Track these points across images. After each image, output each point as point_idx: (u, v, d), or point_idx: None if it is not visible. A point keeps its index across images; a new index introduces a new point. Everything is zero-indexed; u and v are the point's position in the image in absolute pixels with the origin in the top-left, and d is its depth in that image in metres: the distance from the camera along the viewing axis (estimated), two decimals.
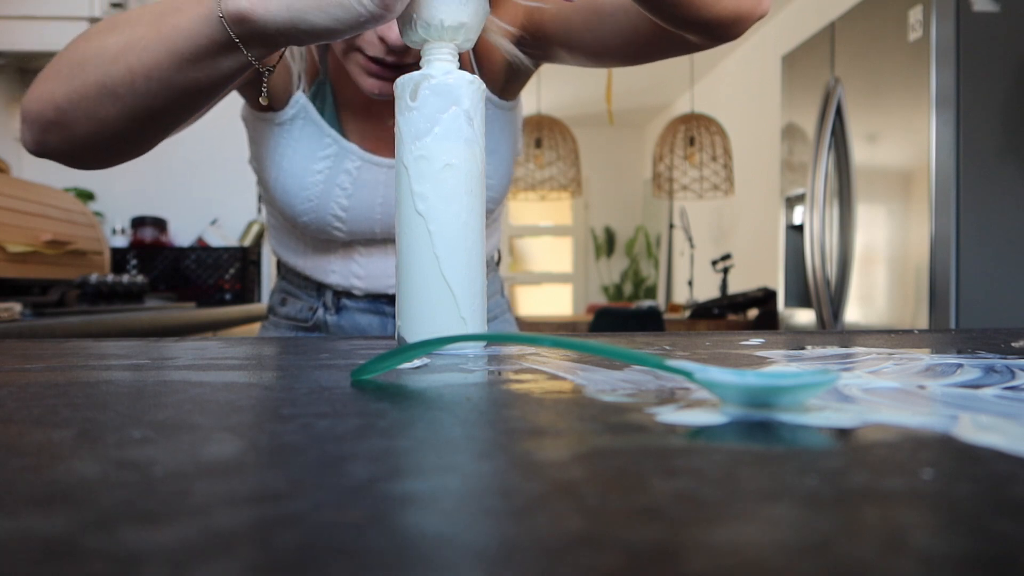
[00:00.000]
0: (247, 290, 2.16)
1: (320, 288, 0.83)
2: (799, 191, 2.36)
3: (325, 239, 0.78)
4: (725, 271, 3.66)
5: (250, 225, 2.34)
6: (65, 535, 0.13)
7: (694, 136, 3.48)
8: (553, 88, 4.97)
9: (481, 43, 0.72)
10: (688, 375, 0.24)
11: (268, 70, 0.56)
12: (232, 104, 0.84)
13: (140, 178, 2.29)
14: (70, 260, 1.68)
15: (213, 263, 2.12)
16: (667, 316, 3.43)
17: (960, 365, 0.35)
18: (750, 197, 4.19)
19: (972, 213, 1.70)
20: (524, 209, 6.55)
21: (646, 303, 3.38)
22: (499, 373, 0.34)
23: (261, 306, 2.07)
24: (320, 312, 0.83)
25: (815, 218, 2.16)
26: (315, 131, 0.73)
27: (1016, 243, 1.71)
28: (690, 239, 4.19)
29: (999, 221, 1.71)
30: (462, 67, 0.49)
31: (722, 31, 0.60)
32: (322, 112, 0.74)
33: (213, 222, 2.32)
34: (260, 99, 0.60)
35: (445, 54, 0.46)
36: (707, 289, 4.68)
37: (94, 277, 1.59)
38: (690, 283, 4.11)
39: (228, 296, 2.12)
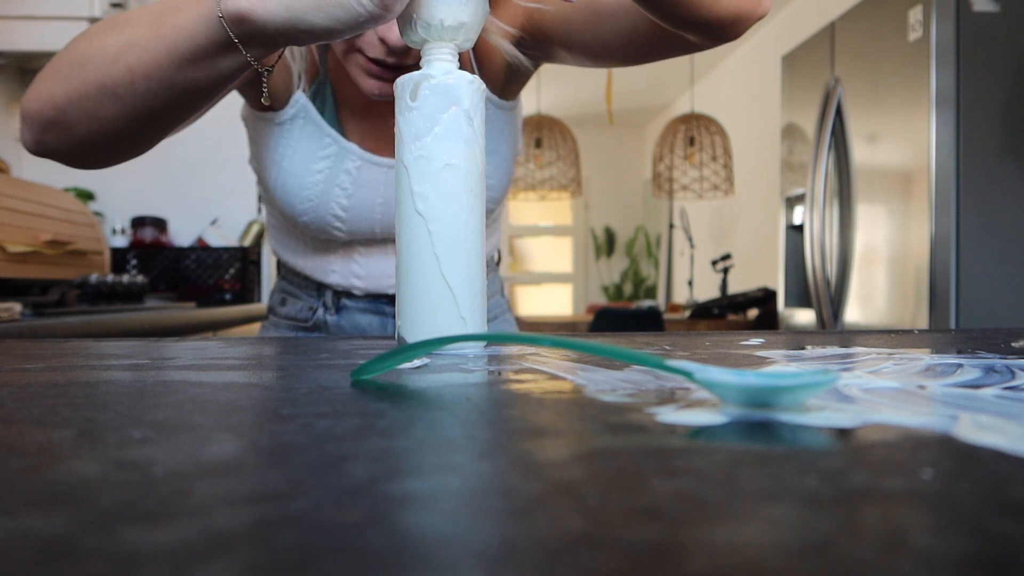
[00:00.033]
0: (247, 290, 2.16)
1: (320, 288, 0.83)
2: (799, 191, 2.36)
3: (325, 239, 0.78)
4: (725, 271, 3.66)
5: (250, 225, 2.34)
6: (65, 535, 0.13)
7: (694, 136, 3.48)
8: (553, 88, 4.97)
9: (481, 43, 0.72)
10: (688, 375, 0.24)
11: (267, 70, 0.56)
12: (232, 104, 0.84)
13: (140, 178, 2.29)
14: (70, 260, 1.68)
15: (213, 263, 2.12)
16: (667, 316, 3.43)
17: (960, 365, 0.35)
18: (750, 197, 4.19)
19: (972, 213, 1.70)
20: (524, 209, 6.55)
21: (646, 303, 3.38)
22: (499, 373, 0.34)
23: (261, 306, 2.07)
24: (320, 312, 0.83)
25: (815, 218, 2.16)
26: (315, 131, 0.73)
27: (1016, 243, 1.71)
28: (690, 239, 4.19)
29: (999, 221, 1.71)
30: (462, 67, 0.49)
31: (722, 31, 0.60)
32: (322, 112, 0.74)
33: (213, 222, 2.32)
34: (262, 99, 0.60)
35: (445, 54, 0.46)
36: (707, 289, 4.68)
37: (94, 277, 1.59)
38: (690, 283, 4.11)
39: (228, 296, 2.12)
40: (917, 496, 0.15)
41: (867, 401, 0.25)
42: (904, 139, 1.81)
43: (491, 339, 0.43)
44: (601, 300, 6.29)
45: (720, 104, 4.62)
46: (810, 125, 2.25)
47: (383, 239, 0.79)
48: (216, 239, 2.23)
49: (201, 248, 2.15)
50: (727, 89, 4.66)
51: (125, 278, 1.64)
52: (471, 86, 0.45)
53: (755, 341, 0.51)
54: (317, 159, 0.73)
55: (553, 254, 6.70)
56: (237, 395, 0.28)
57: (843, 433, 0.21)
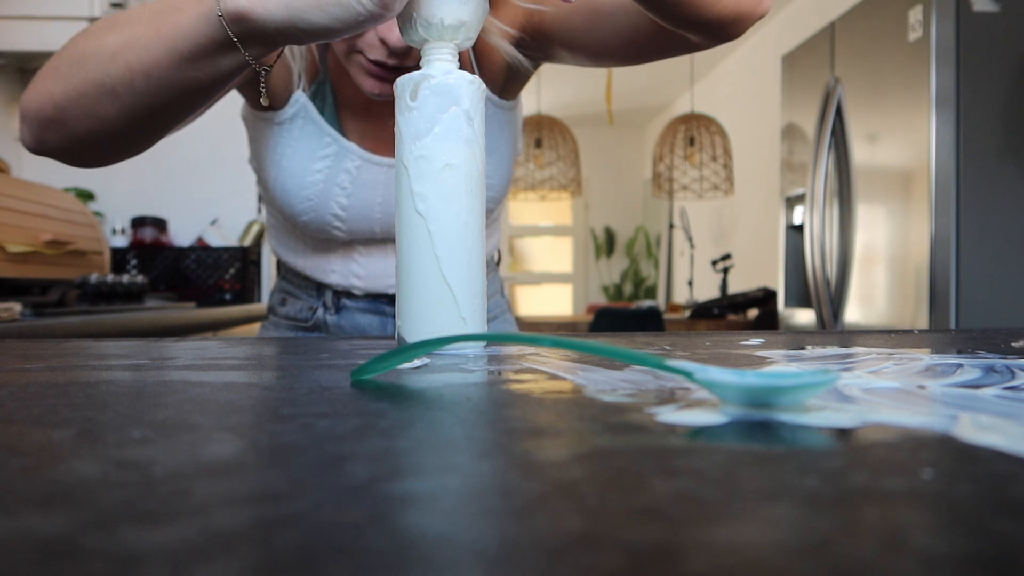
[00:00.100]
0: (247, 290, 2.16)
1: (320, 288, 0.83)
2: (799, 191, 2.36)
3: (325, 239, 0.78)
4: (725, 271, 3.66)
5: (250, 225, 2.34)
6: (65, 535, 0.13)
7: (694, 136, 3.48)
8: (553, 88, 4.97)
9: (481, 43, 0.72)
10: (688, 375, 0.24)
11: (266, 69, 0.56)
12: (232, 104, 0.84)
13: (140, 178, 2.29)
14: (70, 260, 1.68)
15: (213, 263, 2.12)
16: (667, 316, 3.43)
17: (960, 365, 0.35)
18: (750, 197, 4.19)
19: (972, 213, 1.70)
20: (524, 209, 6.55)
21: (646, 303, 3.38)
22: (499, 373, 0.34)
23: (261, 306, 2.07)
24: (320, 312, 0.83)
25: (815, 218, 2.16)
26: (315, 130, 0.73)
27: (1016, 243, 1.71)
28: (690, 239, 4.19)
29: (999, 221, 1.71)
30: (462, 67, 0.49)
31: (722, 31, 0.60)
32: (322, 111, 0.74)
33: (213, 222, 2.32)
34: (261, 99, 0.60)
35: (445, 54, 0.46)
36: (707, 289, 4.68)
37: (94, 277, 1.59)
38: (690, 283, 4.11)
39: (228, 296, 2.12)
40: (917, 496, 0.15)
41: (867, 401, 0.25)
42: (904, 139, 1.81)
43: (491, 339, 0.43)
44: (601, 300, 6.29)
45: (720, 104, 4.62)
46: (810, 125, 2.25)
47: (383, 239, 0.79)
48: (216, 239, 2.23)
49: (201, 248, 2.15)
50: (727, 89, 4.66)
51: (125, 278, 1.64)
52: (471, 86, 0.45)
53: (755, 341, 0.51)
54: (317, 159, 0.73)
55: (553, 254, 6.70)
56: (237, 395, 0.28)
57: (843, 433, 0.21)
